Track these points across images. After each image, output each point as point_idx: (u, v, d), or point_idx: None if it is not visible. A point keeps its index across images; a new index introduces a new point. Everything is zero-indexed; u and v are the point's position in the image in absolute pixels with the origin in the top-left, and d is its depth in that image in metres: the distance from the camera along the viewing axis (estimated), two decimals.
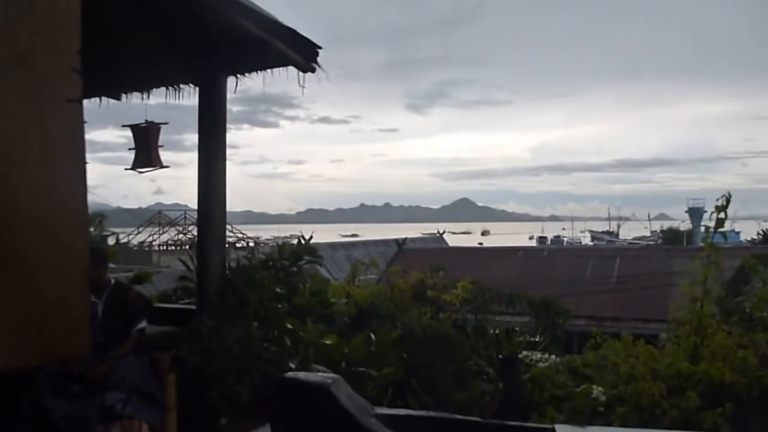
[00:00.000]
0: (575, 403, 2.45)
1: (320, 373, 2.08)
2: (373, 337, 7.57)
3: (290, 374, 2.14)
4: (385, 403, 8.72)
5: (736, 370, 5.74)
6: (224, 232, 5.69)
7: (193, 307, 5.67)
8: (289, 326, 5.63)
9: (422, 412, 2.31)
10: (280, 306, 6.00)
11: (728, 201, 6.48)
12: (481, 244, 68.59)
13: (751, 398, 5.56)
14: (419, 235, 52.88)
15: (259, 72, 5.57)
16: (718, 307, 9.00)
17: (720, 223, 6.66)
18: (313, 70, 5.38)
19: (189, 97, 6.06)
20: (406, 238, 30.98)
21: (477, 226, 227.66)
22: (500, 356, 8.36)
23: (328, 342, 6.03)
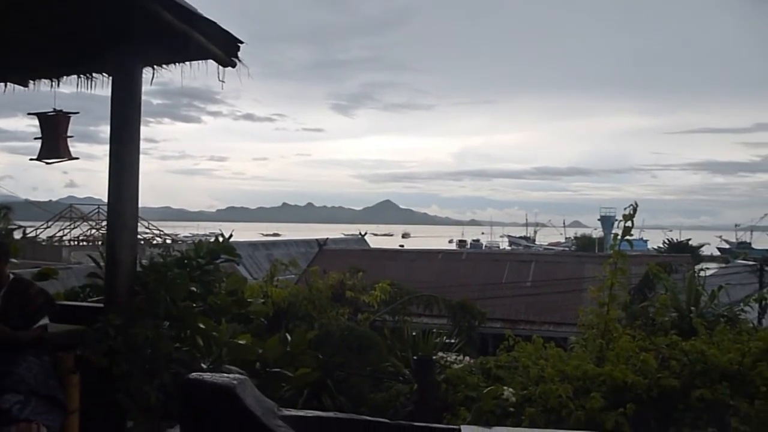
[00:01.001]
0: (482, 404, 2.48)
1: (226, 375, 2.03)
2: (288, 337, 7.50)
3: (194, 375, 2.09)
4: (301, 404, 8.67)
5: (638, 372, 5.99)
6: (136, 227, 5.49)
7: (101, 305, 5.45)
8: (202, 326, 5.49)
9: (330, 414, 2.29)
10: (194, 305, 5.85)
11: (635, 210, 6.76)
12: (402, 246, 69.22)
13: (651, 399, 5.81)
14: (341, 236, 53.00)
15: (177, 64, 5.41)
16: (624, 312, 9.42)
17: (627, 231, 6.93)
18: (233, 65, 5.28)
19: (103, 87, 5.83)
20: (327, 239, 30.95)
21: (399, 229, 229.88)
22: (415, 358, 8.44)
23: (241, 342, 5.91)
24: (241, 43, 5.23)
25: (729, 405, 5.70)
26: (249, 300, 7.89)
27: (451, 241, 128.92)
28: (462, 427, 2.15)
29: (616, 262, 6.86)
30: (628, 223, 6.85)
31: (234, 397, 1.96)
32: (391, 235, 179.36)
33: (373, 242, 60.83)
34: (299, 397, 8.64)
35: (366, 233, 53.15)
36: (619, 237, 7.01)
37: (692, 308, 8.49)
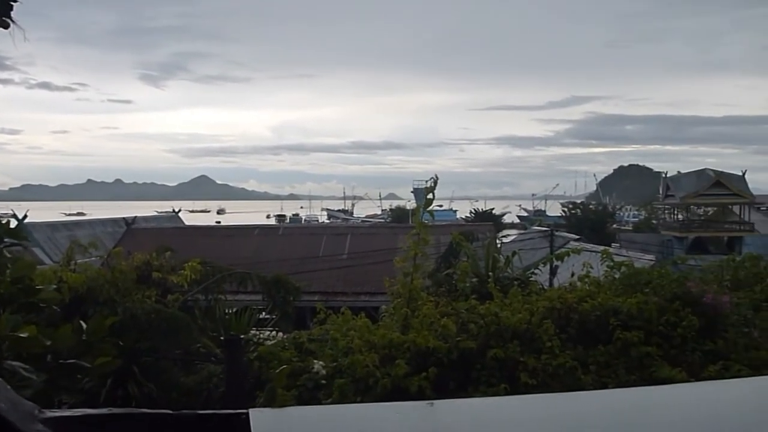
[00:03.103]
0: (275, 383, 2.42)
1: None
2: (84, 324, 6.96)
3: None
4: (104, 395, 8.17)
5: (440, 336, 6.31)
6: None
7: None
8: None
9: (104, 410, 2.10)
10: None
11: (435, 183, 7.06)
12: (218, 222, 67.53)
13: (451, 361, 6.15)
14: (153, 214, 50.55)
15: None
16: (430, 280, 9.87)
17: (429, 203, 7.22)
18: (5, 26, 4.69)
19: None
20: (135, 217, 29.33)
21: (216, 204, 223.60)
22: (221, 338, 8.25)
23: (23, 335, 5.37)
24: (15, 1, 4.66)
25: (519, 361, 6.19)
26: (39, 287, 7.21)
27: (269, 216, 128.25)
28: (250, 410, 2.07)
29: (419, 232, 7.13)
30: (430, 195, 7.13)
31: None
32: (208, 212, 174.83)
33: (189, 219, 58.90)
34: (102, 388, 8.12)
35: (180, 210, 51.21)
36: (421, 209, 7.28)
37: (490, 273, 9.08)
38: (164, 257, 12.04)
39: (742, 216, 50.23)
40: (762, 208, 56.24)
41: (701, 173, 51.91)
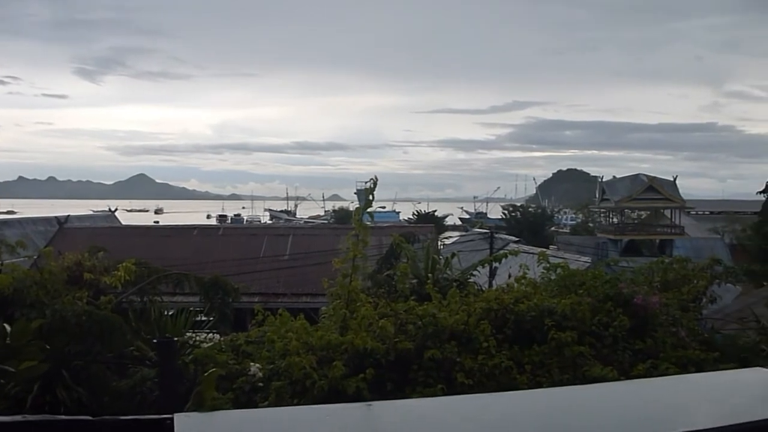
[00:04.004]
0: (203, 388, 2.34)
1: None
2: (8, 328, 6.68)
3: None
4: (30, 400, 7.86)
5: (377, 338, 6.31)
6: None
7: None
8: None
9: (18, 417, 2.02)
10: None
11: (375, 184, 7.05)
12: (156, 222, 66.12)
13: (389, 362, 6.15)
14: (88, 213, 49.19)
15: None
16: (371, 281, 9.88)
17: (368, 204, 7.21)
18: None
19: None
20: (68, 216, 28.41)
21: (155, 204, 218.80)
22: (155, 341, 8.06)
23: None
24: None
25: (456, 362, 6.25)
26: None
27: (209, 216, 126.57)
28: (175, 415, 2.02)
29: (358, 234, 7.12)
30: (370, 197, 7.12)
31: None
32: (146, 211, 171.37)
33: (126, 219, 57.63)
34: (29, 394, 7.82)
35: (117, 209, 50.03)
36: (361, 210, 7.26)
37: (429, 275, 9.15)
38: (97, 257, 11.69)
39: (673, 220, 52.11)
40: (692, 213, 58.39)
41: (635, 178, 53.67)
